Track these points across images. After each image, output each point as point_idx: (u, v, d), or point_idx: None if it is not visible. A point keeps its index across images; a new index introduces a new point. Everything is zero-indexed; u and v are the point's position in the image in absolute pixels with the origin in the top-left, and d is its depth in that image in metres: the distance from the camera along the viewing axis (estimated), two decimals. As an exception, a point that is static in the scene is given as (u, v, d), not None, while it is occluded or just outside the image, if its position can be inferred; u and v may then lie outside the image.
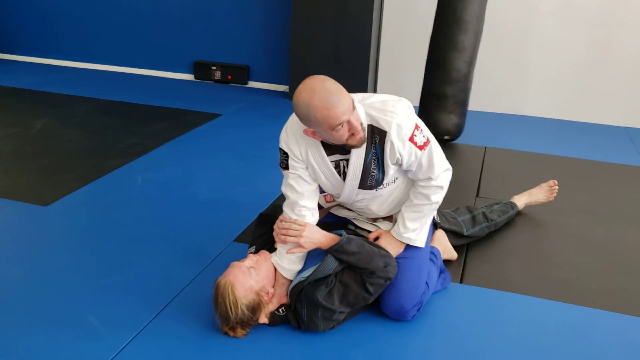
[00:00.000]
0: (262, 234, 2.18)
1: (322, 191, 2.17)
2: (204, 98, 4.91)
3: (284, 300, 1.95)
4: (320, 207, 2.13)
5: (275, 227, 2.00)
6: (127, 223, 2.65)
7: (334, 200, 2.16)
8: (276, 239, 1.96)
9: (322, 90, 1.70)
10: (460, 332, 1.97)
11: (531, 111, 4.71)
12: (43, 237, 2.52)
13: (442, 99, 3.66)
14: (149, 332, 1.91)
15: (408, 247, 2.04)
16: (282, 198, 3.01)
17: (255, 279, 1.88)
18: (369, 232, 2.13)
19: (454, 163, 3.54)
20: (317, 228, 1.94)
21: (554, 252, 2.54)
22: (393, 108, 1.85)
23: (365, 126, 1.85)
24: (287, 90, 5.02)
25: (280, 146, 1.96)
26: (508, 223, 2.73)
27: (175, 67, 5.55)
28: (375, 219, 2.17)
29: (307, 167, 1.95)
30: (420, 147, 1.87)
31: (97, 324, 1.94)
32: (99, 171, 3.22)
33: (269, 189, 3.03)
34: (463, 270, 2.35)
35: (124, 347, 1.83)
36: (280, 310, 1.93)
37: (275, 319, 1.93)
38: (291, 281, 1.95)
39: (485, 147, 3.88)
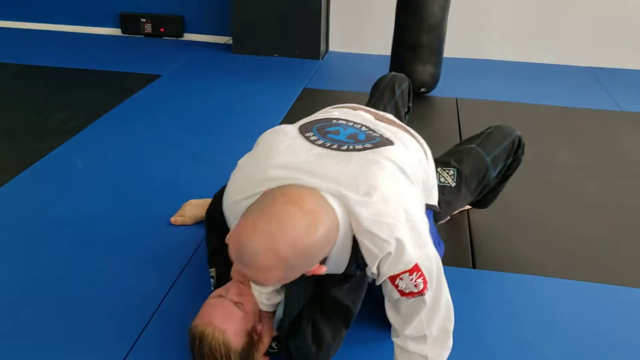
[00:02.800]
0: (216, 247, 1.74)
1: None
2: (137, 56, 4.36)
3: (274, 333, 1.58)
4: None
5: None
6: (73, 223, 2.22)
7: None
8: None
9: (253, 236, 1.16)
10: (491, 334, 1.73)
11: (495, 55, 4.47)
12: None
13: (417, 49, 3.38)
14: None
15: None
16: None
17: (245, 318, 1.45)
18: None
19: (428, 120, 3.40)
20: None
21: (558, 220, 2.33)
22: (393, 222, 1.26)
23: (348, 231, 1.29)
24: (231, 42, 4.54)
25: None
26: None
27: (98, 20, 4.89)
28: None
29: None
30: (402, 293, 1.31)
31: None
32: (29, 157, 2.72)
33: (235, 166, 2.65)
34: (472, 251, 2.11)
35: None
36: (273, 345, 1.57)
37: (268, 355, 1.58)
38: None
39: (457, 99, 3.62)
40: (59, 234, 2.15)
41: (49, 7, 4.90)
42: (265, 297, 1.52)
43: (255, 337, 1.50)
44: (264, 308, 1.52)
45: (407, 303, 1.32)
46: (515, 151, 1.97)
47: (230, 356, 1.39)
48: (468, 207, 2.34)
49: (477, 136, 2.00)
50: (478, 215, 2.33)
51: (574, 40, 4.35)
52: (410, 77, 3.33)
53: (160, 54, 4.42)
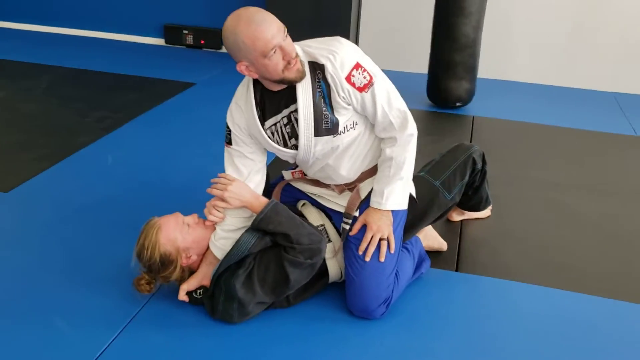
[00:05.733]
0: None
1: (290, 167, 2.06)
2: (176, 65, 4.65)
3: (206, 282, 1.84)
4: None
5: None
6: (96, 210, 2.45)
7: (302, 177, 2.03)
8: (207, 214, 1.84)
9: (246, 14, 1.60)
10: (462, 330, 1.85)
11: (517, 76, 4.56)
12: (4, 228, 2.32)
13: (451, 66, 3.67)
14: (126, 338, 1.75)
15: None
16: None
17: (183, 236, 1.80)
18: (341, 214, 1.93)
19: (442, 134, 3.53)
20: (249, 188, 1.83)
21: (551, 234, 2.42)
22: (330, 45, 1.73)
23: (305, 62, 1.72)
24: (264, 56, 4.77)
25: (227, 120, 1.87)
26: (495, 201, 2.61)
27: (144, 30, 5.24)
28: (342, 190, 1.95)
29: (251, 139, 1.86)
30: (360, 89, 1.72)
31: (64, 327, 1.77)
32: (65, 150, 3.00)
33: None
34: (458, 256, 2.23)
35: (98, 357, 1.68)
36: (198, 292, 1.83)
37: (192, 300, 1.84)
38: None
39: (473, 117, 3.74)
40: (80, 220, 2.38)
41: (100, 16, 5.28)
42: (222, 240, 1.82)
43: (183, 260, 1.79)
44: (212, 249, 1.83)
45: (367, 97, 1.73)
46: (473, 169, 2.10)
47: (154, 249, 1.75)
48: (467, 213, 2.44)
49: (429, 162, 2.13)
50: (471, 225, 2.44)
51: (597, 65, 4.40)
52: (447, 93, 3.75)
53: (198, 64, 4.70)
